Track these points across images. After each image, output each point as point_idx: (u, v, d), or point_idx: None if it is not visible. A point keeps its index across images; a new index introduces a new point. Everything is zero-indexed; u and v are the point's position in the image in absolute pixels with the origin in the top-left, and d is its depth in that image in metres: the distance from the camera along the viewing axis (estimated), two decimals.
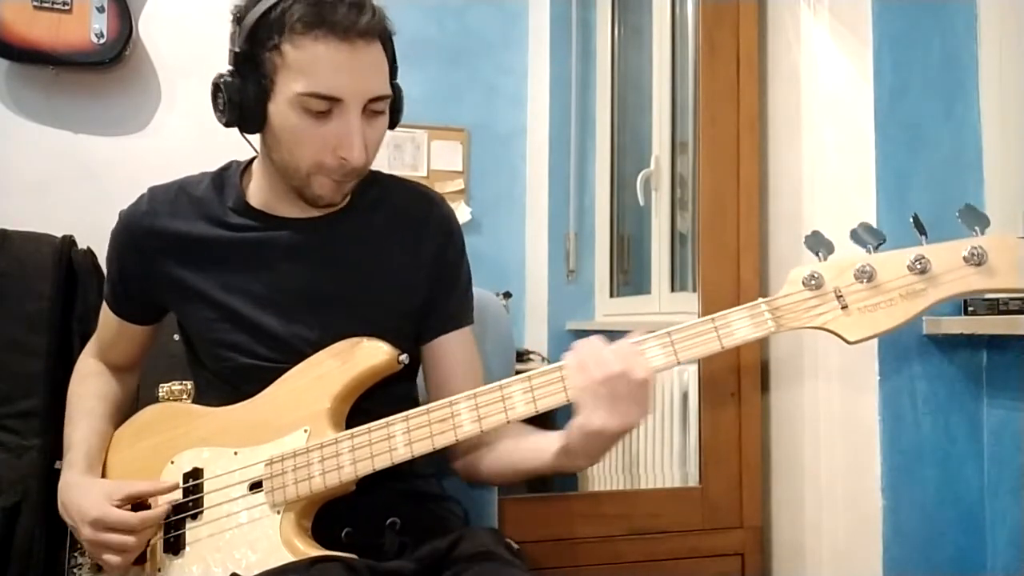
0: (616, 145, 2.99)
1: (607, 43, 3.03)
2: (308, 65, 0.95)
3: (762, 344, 1.70)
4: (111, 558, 1.02)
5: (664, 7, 2.60)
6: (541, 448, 1.02)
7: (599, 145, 3.04)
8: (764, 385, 1.71)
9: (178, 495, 1.05)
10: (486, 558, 0.98)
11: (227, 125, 1.02)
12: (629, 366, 0.89)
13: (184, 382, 1.51)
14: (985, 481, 1.46)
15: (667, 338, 0.91)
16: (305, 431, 1.01)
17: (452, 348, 1.14)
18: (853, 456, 1.48)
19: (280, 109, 0.98)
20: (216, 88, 1.01)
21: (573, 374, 0.92)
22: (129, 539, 1.00)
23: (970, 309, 1.41)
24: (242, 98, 0.99)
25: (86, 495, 1.04)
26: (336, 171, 1.01)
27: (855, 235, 0.88)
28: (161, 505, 1.04)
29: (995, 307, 1.39)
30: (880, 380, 1.43)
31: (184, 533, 1.04)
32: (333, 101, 0.97)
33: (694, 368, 1.80)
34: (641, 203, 2.65)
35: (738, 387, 1.69)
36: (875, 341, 1.42)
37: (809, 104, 1.62)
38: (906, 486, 1.43)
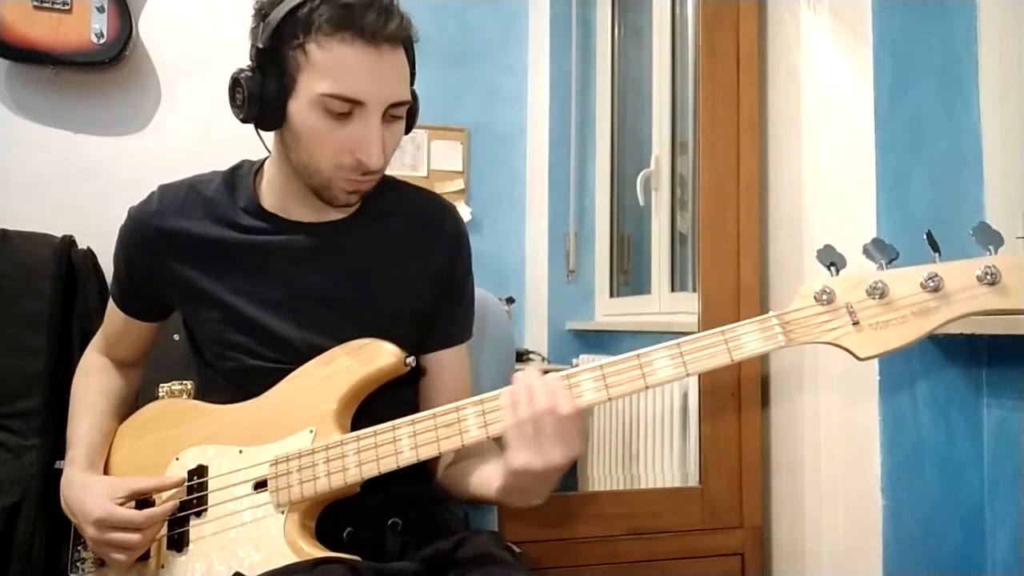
0: (616, 145, 2.99)
1: (607, 43, 3.03)
2: (333, 67, 0.95)
3: None
4: (117, 556, 1.01)
5: (664, 7, 2.60)
6: (488, 480, 1.01)
7: (599, 145, 3.04)
8: (764, 385, 1.71)
9: (183, 491, 1.05)
10: (488, 561, 0.98)
11: (244, 121, 1.02)
12: (554, 402, 0.88)
13: (184, 382, 1.51)
14: (985, 481, 1.46)
15: (676, 349, 0.91)
16: (311, 432, 1.01)
17: (446, 363, 1.15)
18: (853, 456, 1.48)
19: (301, 108, 0.98)
20: (235, 83, 1.00)
21: (505, 410, 0.91)
22: (133, 537, 1.00)
23: None
24: (263, 94, 0.98)
25: (88, 493, 1.04)
26: (354, 171, 1.00)
27: (867, 251, 0.88)
28: (166, 502, 1.04)
29: None
30: (880, 380, 1.43)
31: (188, 530, 1.04)
32: (355, 104, 0.96)
33: None
34: (641, 203, 2.65)
35: (738, 387, 1.69)
36: None
37: (809, 104, 1.62)
38: (906, 486, 1.43)
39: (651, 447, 2.19)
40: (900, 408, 1.43)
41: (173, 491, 1.05)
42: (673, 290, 2.52)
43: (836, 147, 1.55)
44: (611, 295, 2.94)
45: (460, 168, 2.96)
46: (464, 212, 2.90)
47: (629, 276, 2.92)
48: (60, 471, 1.13)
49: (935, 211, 1.44)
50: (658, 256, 2.56)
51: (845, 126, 1.53)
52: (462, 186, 2.95)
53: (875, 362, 1.43)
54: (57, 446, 1.47)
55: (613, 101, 3.00)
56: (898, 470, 1.43)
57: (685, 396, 2.05)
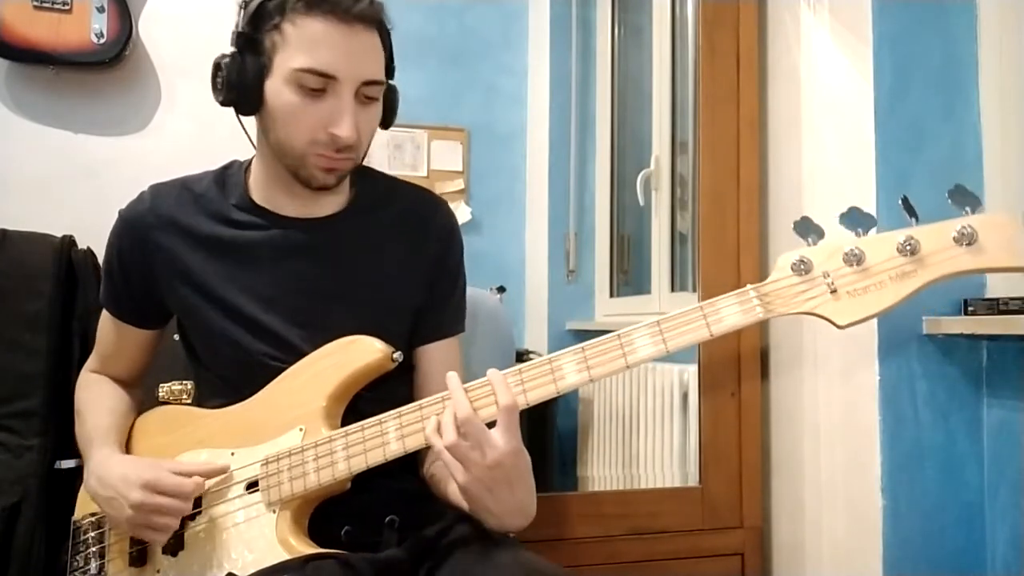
0: (616, 145, 2.99)
1: (607, 43, 3.03)
2: (306, 42, 0.98)
3: (762, 342, 1.70)
4: (161, 520, 0.99)
5: (664, 7, 2.60)
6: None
7: (599, 145, 3.04)
8: (764, 385, 1.71)
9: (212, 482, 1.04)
10: (476, 539, 0.99)
11: (224, 104, 1.04)
12: (467, 413, 0.90)
13: (184, 382, 1.51)
14: (985, 481, 1.46)
15: (656, 327, 0.91)
16: (300, 430, 1.02)
17: (438, 355, 1.15)
18: (853, 456, 1.48)
19: (276, 87, 1.01)
20: (216, 67, 1.03)
21: (432, 436, 0.93)
22: (179, 504, 0.98)
23: (970, 309, 1.41)
24: (240, 77, 1.01)
25: (135, 463, 1.03)
26: (328, 147, 1.02)
27: (844, 219, 0.88)
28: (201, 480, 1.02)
29: (995, 307, 1.39)
30: (880, 380, 1.42)
31: (183, 534, 1.04)
32: (328, 79, 0.99)
33: (694, 368, 1.80)
34: (641, 203, 2.65)
35: (738, 387, 1.69)
36: (875, 341, 1.42)
37: (809, 104, 1.62)
38: (906, 486, 1.43)
39: (651, 447, 2.19)
40: (900, 408, 1.43)
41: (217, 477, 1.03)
42: (673, 290, 2.52)
43: (836, 147, 1.55)
44: (611, 295, 2.94)
45: (460, 168, 2.96)
46: (464, 212, 2.91)
47: (629, 276, 2.91)
48: (60, 471, 1.13)
49: (935, 211, 1.42)
50: (658, 256, 2.56)
51: (845, 126, 1.53)
52: (462, 186, 2.95)
53: (875, 361, 1.42)
54: (57, 446, 1.47)
55: (613, 101, 3.00)
56: (898, 470, 1.43)
57: (685, 396, 2.05)
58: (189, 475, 1.01)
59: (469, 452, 0.89)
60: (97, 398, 1.18)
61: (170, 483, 0.99)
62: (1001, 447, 1.44)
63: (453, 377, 0.94)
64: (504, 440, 0.89)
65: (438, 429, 0.92)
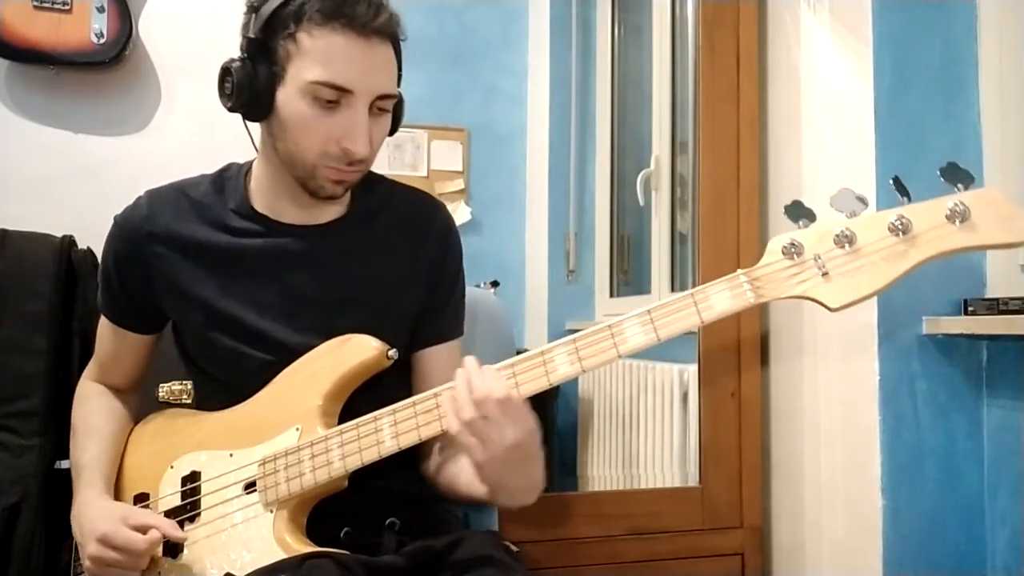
0: (616, 145, 2.99)
1: (607, 43, 3.03)
2: (324, 54, 0.96)
3: (761, 342, 1.70)
4: (114, 574, 1.00)
5: (664, 7, 2.60)
6: (475, 480, 0.97)
7: (599, 145, 3.04)
8: (764, 385, 1.71)
9: (176, 498, 1.05)
10: (485, 562, 0.98)
11: (232, 110, 1.03)
12: (488, 389, 0.88)
13: (184, 382, 1.51)
14: (985, 481, 1.46)
15: (647, 316, 0.90)
16: (297, 430, 1.02)
17: (438, 360, 1.14)
18: (853, 456, 1.48)
19: (289, 97, 0.99)
20: (225, 72, 1.01)
21: (449, 416, 0.91)
22: (135, 561, 0.99)
23: (970, 309, 1.41)
24: (251, 83, 0.99)
25: (100, 513, 1.03)
26: (340, 160, 1.01)
27: (835, 200, 0.86)
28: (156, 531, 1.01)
29: (995, 307, 1.39)
30: (880, 380, 1.43)
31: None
32: (343, 92, 0.98)
33: (694, 368, 1.80)
34: (641, 203, 2.65)
35: (738, 387, 1.69)
36: (875, 341, 1.42)
37: (809, 104, 1.62)
38: (906, 486, 1.43)
39: (651, 447, 2.19)
40: (900, 408, 1.43)
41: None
42: (673, 290, 2.51)
43: (836, 147, 1.55)
44: (611, 295, 2.94)
45: (460, 168, 2.96)
46: (464, 212, 2.91)
47: (629, 276, 2.91)
48: (60, 471, 1.12)
49: None
50: (658, 256, 2.56)
51: (845, 126, 1.53)
52: (462, 186, 2.95)
53: (875, 361, 1.43)
54: (57, 446, 1.47)
55: (613, 101, 3.00)
56: (898, 470, 1.43)
57: (685, 396, 2.05)
58: (147, 529, 0.99)
59: (488, 429, 0.88)
60: (88, 418, 1.16)
61: (121, 539, 0.98)
62: (1001, 447, 1.44)
63: (471, 360, 0.93)
64: (524, 419, 0.89)
65: (456, 413, 0.90)
